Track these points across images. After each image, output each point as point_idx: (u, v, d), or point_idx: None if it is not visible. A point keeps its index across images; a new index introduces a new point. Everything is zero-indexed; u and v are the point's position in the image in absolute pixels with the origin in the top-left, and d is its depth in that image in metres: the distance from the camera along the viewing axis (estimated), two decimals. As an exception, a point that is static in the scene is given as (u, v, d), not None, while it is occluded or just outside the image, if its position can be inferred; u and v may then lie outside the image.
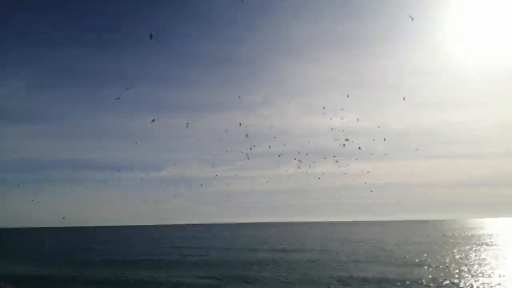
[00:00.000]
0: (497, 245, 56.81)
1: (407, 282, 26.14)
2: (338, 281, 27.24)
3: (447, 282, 26.33)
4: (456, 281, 26.33)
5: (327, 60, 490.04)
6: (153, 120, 58.24)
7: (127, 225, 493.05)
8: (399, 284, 25.78)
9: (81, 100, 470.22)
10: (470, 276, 28.01)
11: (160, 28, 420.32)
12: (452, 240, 69.69)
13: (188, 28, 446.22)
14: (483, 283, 25.80)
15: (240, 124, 63.58)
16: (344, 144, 55.48)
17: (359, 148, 62.31)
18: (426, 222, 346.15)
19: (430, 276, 28.26)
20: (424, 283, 25.94)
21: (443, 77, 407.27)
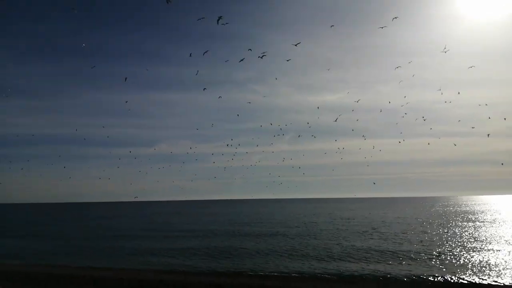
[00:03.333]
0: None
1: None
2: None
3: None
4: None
5: (321, 37, 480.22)
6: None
7: (121, 201, 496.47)
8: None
9: (70, 77, 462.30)
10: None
11: (148, 4, 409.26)
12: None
13: (176, 4, 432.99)
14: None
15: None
16: (336, 120, 53.74)
17: (357, 121, 60.45)
18: (419, 198, 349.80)
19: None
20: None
21: (434, 56, 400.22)
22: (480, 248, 28.94)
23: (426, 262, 23.64)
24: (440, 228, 45.58)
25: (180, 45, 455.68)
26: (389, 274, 20.26)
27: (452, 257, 25.15)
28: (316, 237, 37.92)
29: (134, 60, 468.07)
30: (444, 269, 21.37)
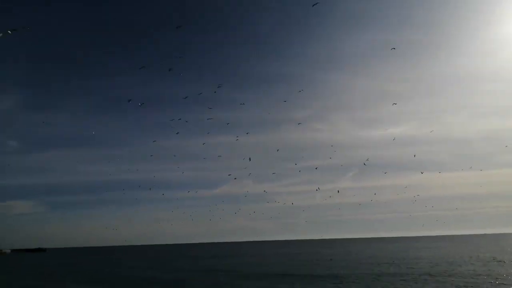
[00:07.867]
0: None
1: None
2: None
3: None
4: None
5: (378, 71, 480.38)
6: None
7: (189, 243, 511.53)
8: None
9: (131, 125, 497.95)
10: None
11: (205, 51, 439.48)
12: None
13: (234, 49, 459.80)
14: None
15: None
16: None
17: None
18: (496, 235, 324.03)
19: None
20: None
21: (506, 82, 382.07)
22: None
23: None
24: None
25: (238, 88, 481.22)
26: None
27: None
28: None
29: (193, 106, 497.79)
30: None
